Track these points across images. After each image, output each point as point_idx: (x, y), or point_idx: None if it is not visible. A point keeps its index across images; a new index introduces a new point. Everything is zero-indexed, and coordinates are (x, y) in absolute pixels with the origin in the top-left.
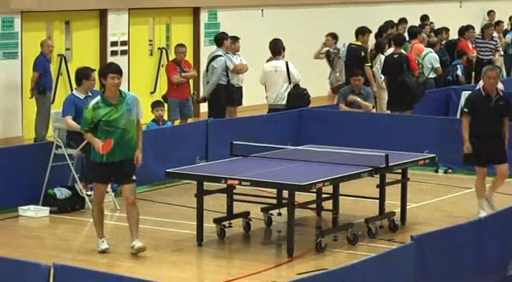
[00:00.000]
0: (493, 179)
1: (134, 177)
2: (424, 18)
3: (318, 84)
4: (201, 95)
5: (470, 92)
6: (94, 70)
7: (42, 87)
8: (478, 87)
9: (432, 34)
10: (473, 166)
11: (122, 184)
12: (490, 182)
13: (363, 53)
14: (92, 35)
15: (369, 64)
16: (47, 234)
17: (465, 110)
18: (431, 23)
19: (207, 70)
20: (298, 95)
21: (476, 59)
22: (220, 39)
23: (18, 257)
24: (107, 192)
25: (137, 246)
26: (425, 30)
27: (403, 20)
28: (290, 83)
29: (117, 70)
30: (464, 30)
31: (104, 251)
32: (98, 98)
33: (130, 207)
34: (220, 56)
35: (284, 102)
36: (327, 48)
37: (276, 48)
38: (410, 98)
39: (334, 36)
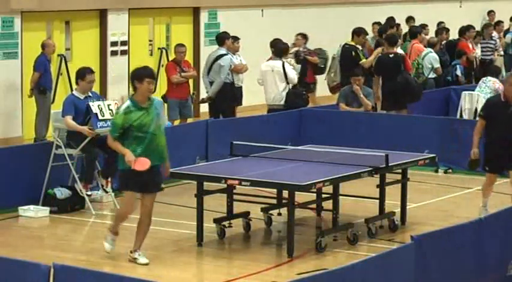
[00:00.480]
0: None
1: (162, 185)
2: (408, 19)
3: (318, 84)
4: (204, 95)
5: (470, 91)
6: (94, 72)
7: (42, 87)
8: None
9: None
10: (484, 171)
11: (148, 192)
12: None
13: (353, 53)
14: (92, 35)
15: (362, 61)
16: (47, 234)
17: (481, 113)
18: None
19: (209, 70)
20: (297, 95)
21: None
22: (221, 38)
23: (18, 257)
24: (106, 192)
25: (141, 262)
26: (425, 31)
27: (391, 19)
28: (288, 83)
29: (152, 74)
30: (464, 30)
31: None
32: (128, 102)
33: (145, 216)
34: (225, 54)
35: (282, 102)
36: (296, 48)
37: (277, 48)
38: (410, 96)
39: (304, 36)
